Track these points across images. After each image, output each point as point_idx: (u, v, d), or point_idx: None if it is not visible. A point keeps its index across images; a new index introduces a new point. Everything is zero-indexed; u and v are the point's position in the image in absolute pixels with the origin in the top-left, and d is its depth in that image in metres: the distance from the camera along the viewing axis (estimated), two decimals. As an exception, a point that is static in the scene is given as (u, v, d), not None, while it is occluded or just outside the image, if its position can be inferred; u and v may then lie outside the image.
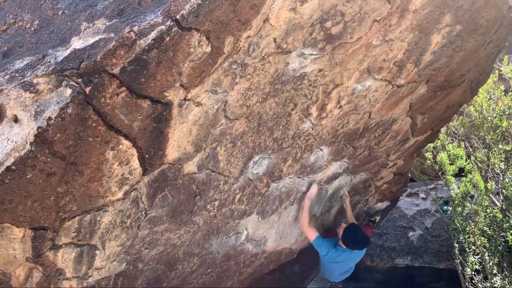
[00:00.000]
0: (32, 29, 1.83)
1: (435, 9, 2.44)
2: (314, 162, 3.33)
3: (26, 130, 1.57)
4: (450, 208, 5.74)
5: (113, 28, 1.64)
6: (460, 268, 5.54)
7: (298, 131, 2.85)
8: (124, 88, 1.67)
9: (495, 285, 4.93)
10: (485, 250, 5.14)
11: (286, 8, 1.94)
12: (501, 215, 5.14)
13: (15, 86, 1.60)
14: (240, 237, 3.34)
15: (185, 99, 1.94)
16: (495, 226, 5.14)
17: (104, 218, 2.07)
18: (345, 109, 2.91)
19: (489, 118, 5.44)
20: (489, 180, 5.46)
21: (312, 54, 2.29)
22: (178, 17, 1.64)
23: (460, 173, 5.76)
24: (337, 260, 3.81)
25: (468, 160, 5.75)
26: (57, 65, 1.59)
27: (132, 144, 1.87)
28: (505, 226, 5.04)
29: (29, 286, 1.97)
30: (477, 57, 3.19)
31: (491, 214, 5.17)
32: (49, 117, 1.56)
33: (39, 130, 1.56)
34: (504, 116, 5.27)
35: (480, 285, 5.14)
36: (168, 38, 1.65)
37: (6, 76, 1.64)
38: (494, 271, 5.00)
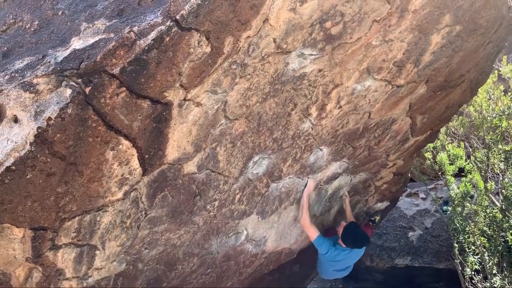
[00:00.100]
0: (32, 29, 1.83)
1: (434, 10, 2.44)
2: (314, 162, 3.33)
3: (26, 130, 1.57)
4: (450, 208, 5.73)
5: (113, 28, 1.64)
6: (460, 268, 5.53)
7: (298, 131, 2.85)
8: (124, 88, 1.67)
9: (495, 285, 4.92)
10: (484, 250, 5.13)
11: (285, 8, 1.95)
12: (500, 215, 5.13)
13: (15, 86, 1.60)
14: (240, 237, 3.34)
15: (185, 99, 1.94)
16: (494, 226, 5.13)
17: (104, 218, 2.07)
18: (345, 109, 2.91)
19: (488, 118, 5.44)
20: (488, 180, 5.46)
21: (311, 54, 2.30)
22: (178, 17, 1.64)
23: (459, 173, 5.75)
24: (337, 259, 3.80)
25: (468, 160, 5.75)
26: (57, 65, 1.60)
27: (132, 144, 1.87)
28: (504, 226, 5.04)
29: (29, 286, 1.97)
30: (477, 57, 3.19)
31: (491, 214, 5.16)
32: (49, 117, 1.56)
33: (39, 130, 1.56)
34: (503, 116, 5.27)
35: (480, 285, 5.13)
36: (168, 38, 1.65)
37: (6, 76, 1.64)
38: (494, 271, 5.00)
